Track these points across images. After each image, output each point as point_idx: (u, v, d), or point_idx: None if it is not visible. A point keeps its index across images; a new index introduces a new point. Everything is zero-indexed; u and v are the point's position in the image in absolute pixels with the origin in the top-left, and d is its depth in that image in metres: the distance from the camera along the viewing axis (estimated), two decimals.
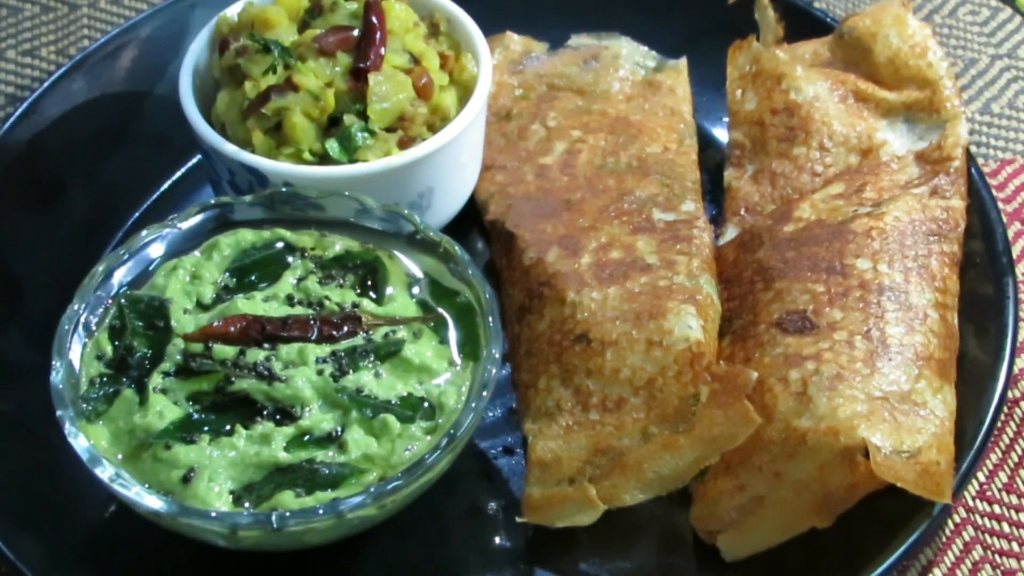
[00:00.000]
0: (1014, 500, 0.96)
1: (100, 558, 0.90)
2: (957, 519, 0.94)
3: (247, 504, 0.81)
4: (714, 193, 1.11)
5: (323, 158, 0.99)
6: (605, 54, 1.19)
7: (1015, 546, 0.93)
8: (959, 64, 1.28)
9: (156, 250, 0.94)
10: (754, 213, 1.05)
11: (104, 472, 0.81)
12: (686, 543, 0.91)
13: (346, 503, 0.79)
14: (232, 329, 0.86)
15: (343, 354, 0.87)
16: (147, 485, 0.82)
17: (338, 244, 0.95)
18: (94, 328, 0.89)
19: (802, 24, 1.17)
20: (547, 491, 0.90)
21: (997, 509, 0.95)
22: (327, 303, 0.90)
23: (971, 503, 0.96)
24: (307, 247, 0.95)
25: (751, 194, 1.06)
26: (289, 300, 0.90)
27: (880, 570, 0.84)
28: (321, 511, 0.79)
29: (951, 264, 0.97)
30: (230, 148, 0.99)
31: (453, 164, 1.03)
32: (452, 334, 0.91)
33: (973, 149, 1.16)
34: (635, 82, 1.17)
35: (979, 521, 0.95)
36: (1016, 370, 1.01)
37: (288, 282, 0.91)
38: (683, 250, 0.98)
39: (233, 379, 0.85)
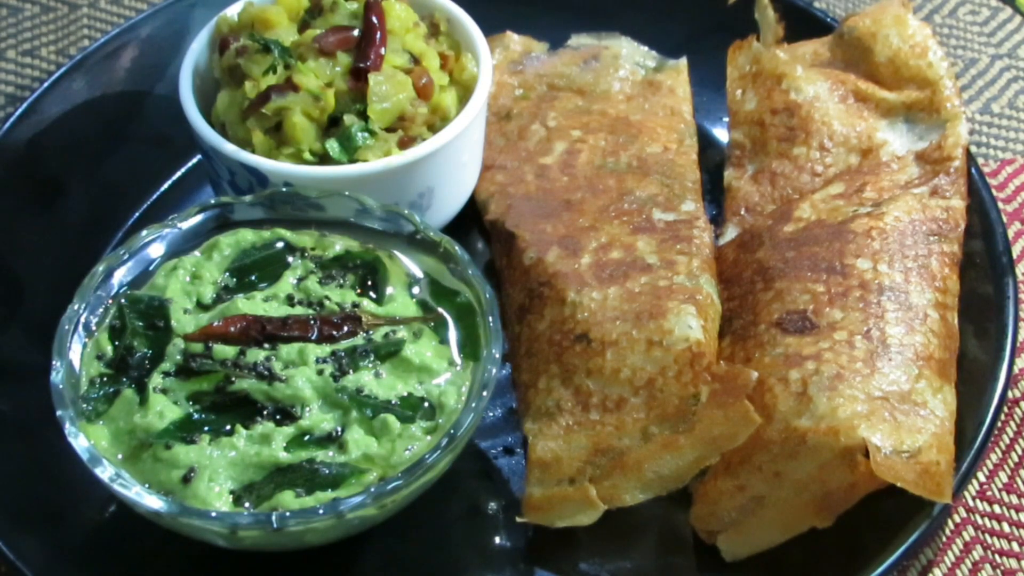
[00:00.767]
0: (1014, 500, 0.96)
1: (100, 558, 0.90)
2: (957, 519, 0.94)
3: (247, 504, 0.81)
4: (714, 193, 1.11)
5: (323, 158, 0.99)
6: (605, 54, 1.19)
7: (1015, 546, 0.93)
8: (959, 64, 1.28)
9: (156, 250, 0.94)
10: (754, 213, 1.05)
11: (104, 472, 0.81)
12: (686, 543, 0.91)
13: (346, 503, 0.79)
14: (232, 329, 0.86)
15: (343, 354, 0.87)
16: (147, 485, 0.82)
17: (338, 244, 0.95)
18: (94, 328, 0.89)
19: (802, 24, 1.17)
20: (547, 491, 0.90)
21: (997, 509, 0.95)
22: (327, 303, 0.90)
23: (971, 503, 0.96)
24: (307, 247, 0.95)
25: (751, 194, 1.06)
26: (289, 300, 0.90)
27: (880, 570, 0.84)
28: (321, 511, 0.79)
29: (951, 264, 0.97)
30: (230, 148, 0.99)
31: (453, 164, 1.03)
32: (452, 334, 0.91)
33: (973, 149, 1.16)
34: (635, 82, 1.17)
35: (979, 521, 0.95)
36: (1016, 370, 1.01)
37: (288, 282, 0.91)
38: (683, 250, 0.98)
39: (233, 379, 0.85)
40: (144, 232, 0.94)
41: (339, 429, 0.84)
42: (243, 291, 0.91)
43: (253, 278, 0.93)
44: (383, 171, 0.97)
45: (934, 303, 0.93)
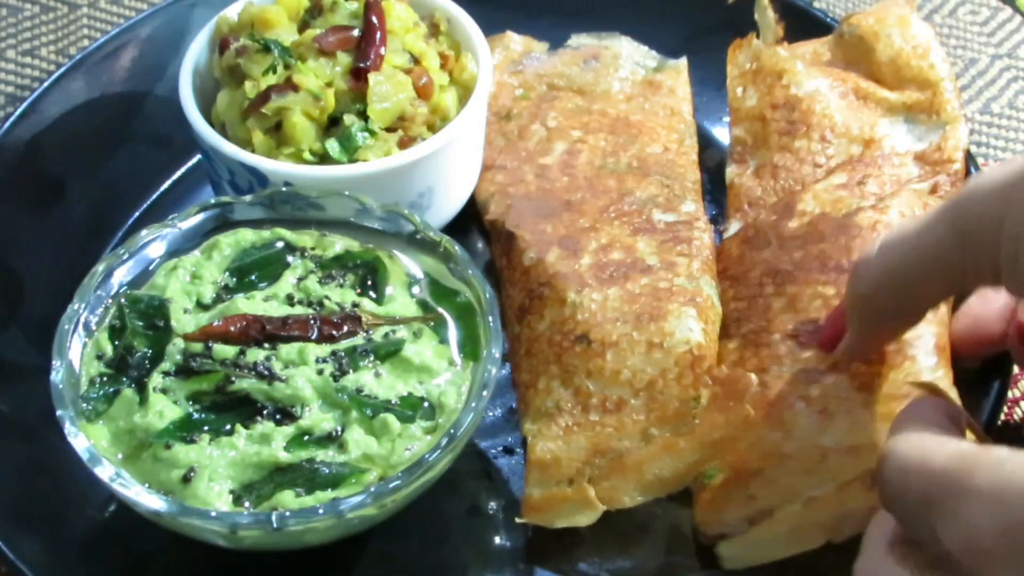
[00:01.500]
0: None
1: (100, 558, 0.90)
2: None
3: (247, 504, 0.81)
4: (714, 193, 1.11)
5: (323, 158, 0.99)
6: (605, 54, 1.19)
7: None
8: (959, 64, 1.28)
9: (156, 250, 0.94)
10: (757, 207, 1.04)
11: (104, 472, 0.81)
12: (687, 543, 0.91)
13: (346, 503, 0.79)
14: (232, 329, 0.86)
15: (343, 354, 0.87)
16: (147, 485, 0.82)
17: (338, 244, 0.95)
18: (94, 328, 0.89)
19: (802, 24, 1.17)
20: (546, 492, 0.90)
21: None
22: (327, 303, 0.90)
23: None
24: (307, 247, 0.95)
25: (753, 188, 1.05)
26: (289, 300, 0.90)
27: None
28: (321, 511, 0.79)
29: None
30: (230, 148, 0.99)
31: (453, 164, 1.03)
32: (452, 334, 0.91)
33: (973, 149, 1.16)
34: (635, 82, 1.17)
35: None
36: (1016, 370, 1.00)
37: (288, 282, 0.91)
38: (683, 251, 0.98)
39: (233, 379, 0.85)
40: (144, 232, 0.94)
41: (339, 429, 0.84)
42: (243, 291, 0.91)
43: (253, 278, 0.93)
44: (383, 171, 0.97)
45: None
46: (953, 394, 0.89)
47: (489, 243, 1.09)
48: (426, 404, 0.86)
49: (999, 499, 0.59)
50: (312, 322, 0.87)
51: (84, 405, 0.85)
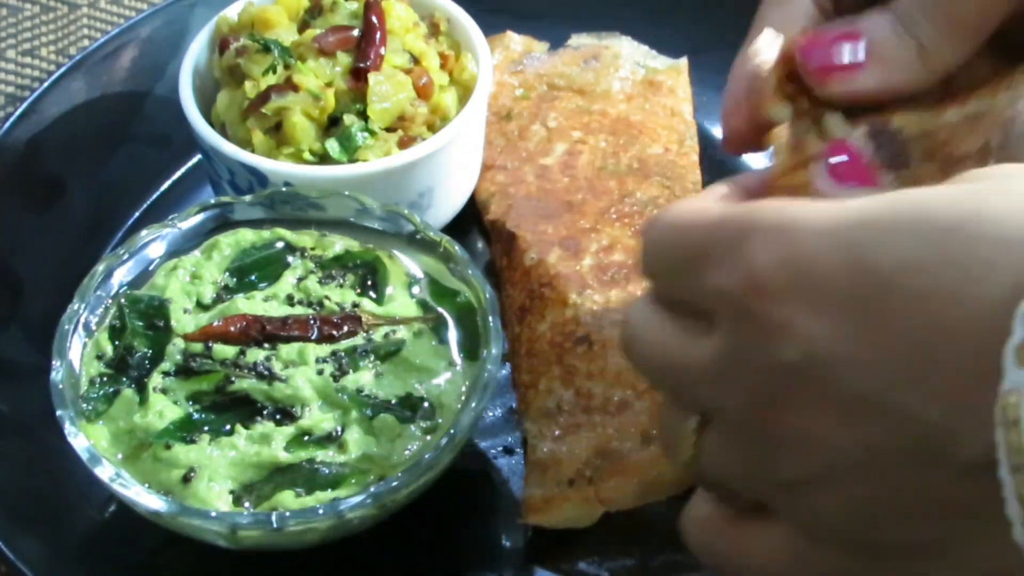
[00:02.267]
0: None
1: (100, 558, 0.90)
2: None
3: (247, 504, 0.81)
4: None
5: (323, 158, 0.99)
6: (605, 53, 1.19)
7: None
8: None
9: (156, 250, 0.94)
10: None
11: (104, 472, 0.81)
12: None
13: (346, 503, 0.79)
14: (232, 329, 0.86)
15: (343, 354, 0.87)
16: (147, 485, 0.82)
17: (338, 244, 0.95)
18: (94, 328, 0.89)
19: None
20: (547, 493, 0.90)
21: None
22: (327, 303, 0.90)
23: None
24: (307, 247, 0.95)
25: None
26: (289, 300, 0.90)
27: None
28: (321, 511, 0.79)
29: None
30: (230, 148, 0.99)
31: (453, 164, 1.03)
32: (452, 334, 0.91)
33: None
34: (636, 82, 1.17)
35: None
36: None
37: (288, 282, 0.92)
38: None
39: (233, 379, 0.85)
40: (144, 232, 0.94)
41: (339, 429, 0.84)
42: (243, 291, 0.91)
43: (253, 278, 0.93)
44: (383, 171, 0.97)
45: None
46: None
47: (489, 243, 1.09)
48: (426, 404, 0.86)
49: (781, 231, 0.56)
50: (312, 322, 0.87)
51: (84, 405, 0.85)
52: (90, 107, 1.14)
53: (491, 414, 0.98)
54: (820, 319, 0.55)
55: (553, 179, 1.09)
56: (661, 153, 1.09)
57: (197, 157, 1.13)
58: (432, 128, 1.02)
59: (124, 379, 0.87)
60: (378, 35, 1.00)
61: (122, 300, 0.91)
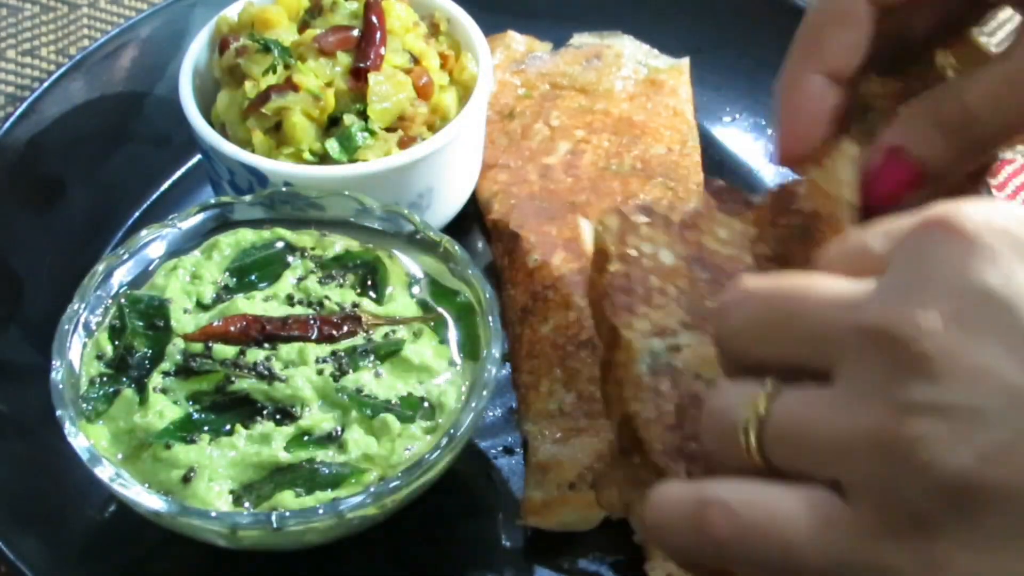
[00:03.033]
0: None
1: (100, 558, 0.90)
2: None
3: (247, 504, 0.81)
4: None
5: (323, 158, 0.99)
6: (607, 52, 1.19)
7: None
8: None
9: (156, 250, 0.94)
10: None
11: (104, 472, 0.81)
12: None
13: (346, 503, 0.79)
14: (232, 329, 0.86)
15: (343, 354, 0.87)
16: (147, 485, 0.82)
17: (338, 244, 0.95)
18: (94, 328, 0.89)
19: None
20: (547, 495, 0.90)
21: None
22: (327, 303, 0.90)
23: None
24: (307, 247, 0.95)
25: None
26: (289, 300, 0.90)
27: None
28: (321, 511, 0.79)
29: None
30: (230, 148, 0.99)
31: (453, 164, 1.03)
32: (452, 334, 0.91)
33: None
34: (638, 81, 1.17)
35: None
36: None
37: (288, 282, 0.91)
38: None
39: (233, 379, 0.85)
40: (144, 232, 0.94)
41: (339, 429, 0.84)
42: (243, 291, 0.91)
43: (253, 278, 0.93)
44: (383, 171, 0.97)
45: None
46: None
47: (490, 243, 1.09)
48: (426, 404, 0.86)
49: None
50: (312, 322, 0.87)
51: (84, 405, 0.85)
52: (90, 107, 1.14)
53: (491, 414, 0.98)
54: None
55: (556, 179, 1.09)
56: (664, 154, 1.09)
57: (197, 157, 1.13)
58: (432, 128, 1.02)
59: (124, 379, 0.87)
60: (378, 35, 1.00)
61: (122, 300, 0.91)
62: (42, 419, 0.86)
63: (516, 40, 1.21)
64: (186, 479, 0.81)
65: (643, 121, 1.13)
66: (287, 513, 0.79)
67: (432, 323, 0.91)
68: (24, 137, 1.10)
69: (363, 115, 0.99)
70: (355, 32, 1.01)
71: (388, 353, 0.88)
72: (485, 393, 0.85)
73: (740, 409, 0.56)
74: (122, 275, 0.92)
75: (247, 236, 0.95)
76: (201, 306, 0.90)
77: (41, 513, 0.91)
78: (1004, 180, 1.17)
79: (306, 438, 0.84)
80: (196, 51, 1.05)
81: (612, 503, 0.74)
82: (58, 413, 0.83)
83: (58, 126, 1.12)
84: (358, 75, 0.99)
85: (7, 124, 1.09)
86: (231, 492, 0.82)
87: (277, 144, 0.99)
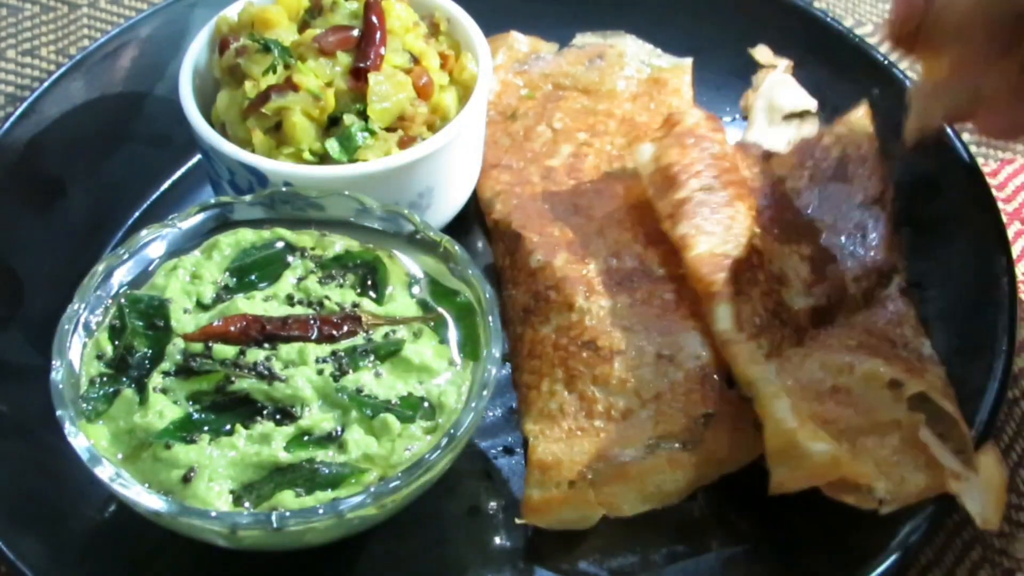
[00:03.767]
0: (1014, 500, 0.96)
1: (100, 558, 0.90)
2: (957, 519, 0.94)
3: (247, 504, 0.81)
4: None
5: (323, 158, 0.99)
6: (610, 52, 1.19)
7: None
8: None
9: (156, 250, 0.94)
10: None
11: (104, 472, 0.81)
12: (688, 542, 0.91)
13: (346, 503, 0.79)
14: (232, 329, 0.86)
15: (343, 354, 0.87)
16: (147, 485, 0.82)
17: (338, 244, 0.95)
18: (94, 328, 0.89)
19: (803, 26, 1.17)
20: (546, 494, 0.90)
21: None
22: (327, 303, 0.90)
23: None
24: (307, 247, 0.95)
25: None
26: (289, 300, 0.90)
27: (880, 570, 0.84)
28: (321, 511, 0.79)
29: None
30: (230, 148, 0.99)
31: (453, 164, 1.03)
32: (452, 334, 0.91)
33: (973, 149, 1.16)
34: (641, 80, 1.17)
35: None
36: (1016, 370, 1.01)
37: (288, 282, 0.91)
38: None
39: (233, 379, 0.85)
40: (144, 232, 0.94)
41: (339, 429, 0.84)
42: (243, 291, 0.91)
43: (253, 278, 0.93)
44: (383, 171, 0.97)
45: None
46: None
47: (490, 243, 1.09)
48: (426, 404, 0.86)
49: None
50: (312, 322, 0.87)
51: (84, 405, 0.85)
52: (90, 107, 1.14)
53: (491, 414, 0.98)
54: None
55: (559, 181, 1.09)
56: None
57: (197, 157, 1.13)
58: (432, 128, 1.02)
59: (124, 379, 0.87)
60: (378, 35, 1.00)
61: (122, 300, 0.91)
62: (42, 419, 0.86)
63: (519, 41, 1.21)
64: (186, 479, 0.81)
65: (646, 122, 1.13)
66: (287, 513, 0.79)
67: (432, 323, 0.91)
68: (24, 137, 1.10)
69: (363, 115, 0.99)
70: (355, 32, 1.01)
71: (388, 353, 0.88)
72: (485, 393, 0.85)
73: None
74: (122, 275, 0.92)
75: (247, 236, 0.95)
76: (201, 306, 0.90)
77: (41, 513, 0.91)
78: (1004, 180, 1.17)
79: (306, 438, 0.84)
80: (196, 51, 1.05)
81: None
82: (58, 413, 0.83)
83: (58, 126, 1.12)
84: (358, 75, 0.99)
85: (7, 124, 1.10)
86: (231, 492, 0.82)
87: (277, 144, 0.99)
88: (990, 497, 0.83)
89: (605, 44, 1.20)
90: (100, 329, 0.89)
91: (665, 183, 0.98)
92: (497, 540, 0.92)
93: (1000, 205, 1.06)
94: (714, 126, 1.02)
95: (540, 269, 1.00)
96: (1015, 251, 1.08)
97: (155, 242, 0.94)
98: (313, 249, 0.95)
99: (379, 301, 0.91)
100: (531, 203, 1.06)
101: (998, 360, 0.93)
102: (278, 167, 0.97)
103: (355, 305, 0.90)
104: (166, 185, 1.15)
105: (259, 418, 0.84)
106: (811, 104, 1.17)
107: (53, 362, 0.85)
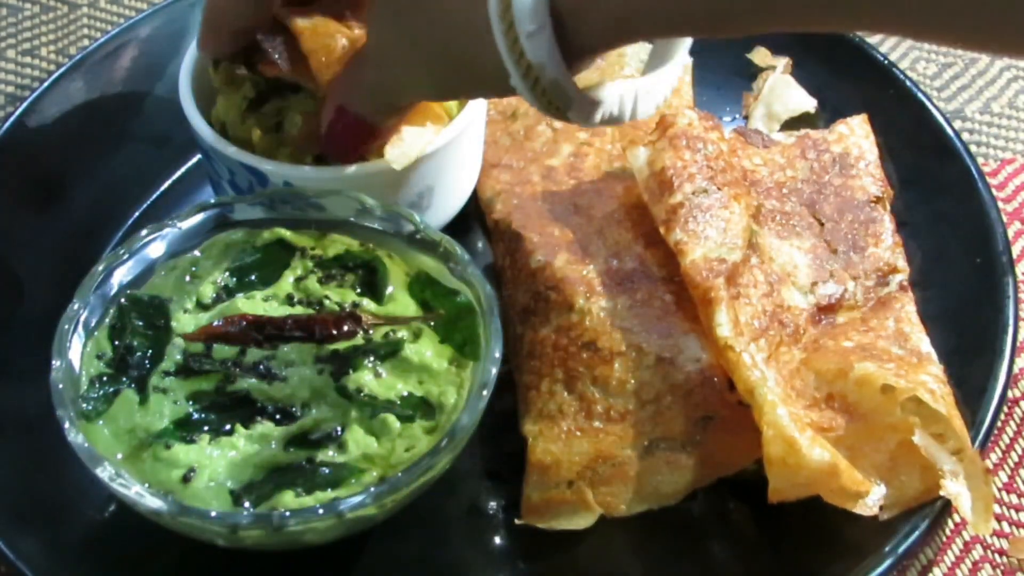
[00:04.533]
0: (1014, 500, 0.96)
1: (100, 558, 0.90)
2: (957, 519, 0.94)
3: (247, 504, 0.81)
4: None
5: (323, 158, 0.99)
6: (610, 52, 1.19)
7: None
8: (959, 64, 1.28)
9: (156, 250, 0.94)
10: None
11: (104, 472, 0.80)
12: (688, 542, 0.91)
13: (346, 503, 0.79)
14: (232, 329, 0.86)
15: (343, 354, 0.87)
16: (147, 485, 0.82)
17: (338, 244, 0.95)
18: (94, 328, 0.89)
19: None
20: (545, 494, 0.90)
21: (997, 509, 0.95)
22: (327, 303, 0.90)
23: None
24: (307, 247, 0.95)
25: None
26: (289, 300, 0.90)
27: (880, 569, 0.84)
28: (321, 511, 0.79)
29: None
30: (230, 148, 0.98)
31: (453, 164, 1.03)
32: (452, 334, 0.91)
33: (973, 149, 1.16)
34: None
35: None
36: (1016, 370, 1.01)
37: (288, 282, 0.92)
38: None
39: (233, 379, 0.85)
40: (144, 232, 0.94)
41: (339, 429, 0.84)
42: (243, 291, 0.91)
43: (253, 278, 0.93)
44: (383, 171, 0.97)
45: None
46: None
47: (490, 243, 1.09)
48: (426, 404, 0.86)
49: None
50: (312, 322, 0.87)
51: (84, 405, 0.85)
52: (90, 107, 1.14)
53: (491, 414, 0.98)
54: None
55: (559, 181, 1.09)
56: None
57: (197, 157, 1.13)
58: None
59: (124, 379, 0.87)
60: None
61: (122, 300, 0.91)
62: (42, 419, 0.86)
63: None
64: (186, 479, 0.81)
65: (646, 122, 1.13)
66: (287, 513, 0.79)
67: (432, 323, 0.91)
68: (24, 137, 1.10)
69: None
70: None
71: (388, 353, 0.88)
72: (485, 393, 0.85)
73: None
74: (122, 275, 0.92)
75: (247, 236, 0.94)
76: (201, 306, 0.90)
77: (41, 513, 0.91)
78: (1004, 180, 1.17)
79: (306, 438, 0.84)
80: (196, 51, 1.05)
81: None
82: (58, 413, 0.82)
83: (58, 126, 1.12)
84: None
85: (7, 124, 1.10)
86: (231, 492, 0.82)
87: (277, 144, 0.99)
88: (978, 504, 0.84)
89: None
90: (100, 329, 0.89)
91: (660, 188, 0.98)
92: (497, 540, 0.92)
93: (1000, 205, 1.06)
94: (709, 124, 1.02)
95: (540, 269, 1.00)
96: (1015, 251, 1.08)
97: (155, 242, 0.94)
98: (313, 249, 0.95)
99: (379, 301, 0.91)
100: (531, 203, 1.06)
101: (998, 360, 0.93)
102: (278, 167, 0.97)
103: (355, 305, 0.90)
104: (166, 185, 1.15)
105: (259, 418, 0.84)
106: (811, 104, 1.17)
107: (53, 362, 0.85)
